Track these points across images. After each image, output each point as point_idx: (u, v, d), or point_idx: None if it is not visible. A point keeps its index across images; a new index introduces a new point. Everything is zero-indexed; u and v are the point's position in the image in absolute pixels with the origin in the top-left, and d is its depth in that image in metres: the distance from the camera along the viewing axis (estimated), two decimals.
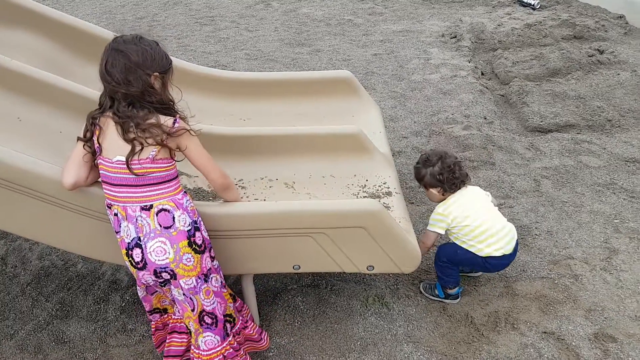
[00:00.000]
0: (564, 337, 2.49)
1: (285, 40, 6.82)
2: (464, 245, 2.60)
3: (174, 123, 1.92)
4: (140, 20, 8.09)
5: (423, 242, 2.67)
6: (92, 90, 2.68)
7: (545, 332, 2.53)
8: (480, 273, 2.90)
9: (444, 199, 2.65)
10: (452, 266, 2.66)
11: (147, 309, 2.28)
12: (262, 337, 2.38)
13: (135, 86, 1.86)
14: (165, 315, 2.32)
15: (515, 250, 2.63)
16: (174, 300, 2.19)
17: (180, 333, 2.28)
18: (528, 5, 7.75)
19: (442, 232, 2.63)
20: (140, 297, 2.23)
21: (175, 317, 2.28)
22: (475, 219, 2.55)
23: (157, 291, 2.22)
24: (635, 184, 3.58)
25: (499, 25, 6.97)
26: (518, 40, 6.32)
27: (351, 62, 5.96)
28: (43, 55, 3.03)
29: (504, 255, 2.57)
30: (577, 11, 7.17)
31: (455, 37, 6.66)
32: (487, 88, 5.23)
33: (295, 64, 6.00)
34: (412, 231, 2.47)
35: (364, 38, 6.83)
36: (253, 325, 2.35)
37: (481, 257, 2.56)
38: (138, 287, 2.14)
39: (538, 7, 7.64)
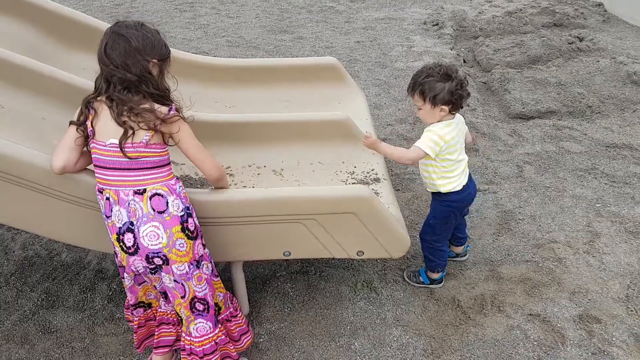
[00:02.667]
0: (550, 318, 2.54)
1: (267, 27, 6.77)
2: (437, 182, 2.48)
3: (169, 111, 1.92)
4: (118, 6, 7.95)
5: (406, 156, 2.42)
6: (77, 77, 2.64)
7: (530, 314, 2.58)
8: (466, 257, 2.94)
9: (438, 121, 2.40)
10: (440, 242, 2.65)
11: (131, 302, 2.21)
12: (242, 339, 2.30)
13: (133, 71, 1.87)
14: (149, 310, 2.27)
15: (471, 180, 2.58)
16: (160, 293, 2.17)
17: (168, 324, 2.26)
18: None
19: (433, 155, 2.38)
20: (127, 287, 2.17)
21: (162, 311, 2.24)
22: (459, 154, 2.45)
23: (144, 282, 2.18)
24: (616, 169, 3.65)
25: (480, 12, 7.02)
26: (499, 28, 6.38)
27: (334, 50, 5.94)
28: (26, 42, 2.96)
29: (463, 187, 2.51)
30: None
31: (437, 24, 6.69)
32: (469, 75, 5.27)
33: (278, 51, 5.97)
34: (400, 217, 2.49)
35: (346, 25, 6.81)
36: (238, 323, 2.30)
37: (445, 198, 2.51)
38: (126, 275, 2.10)
39: None
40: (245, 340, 2.30)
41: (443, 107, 2.35)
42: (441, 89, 2.32)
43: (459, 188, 2.52)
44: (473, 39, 6.30)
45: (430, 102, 2.36)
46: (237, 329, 2.29)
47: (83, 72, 2.92)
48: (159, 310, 2.26)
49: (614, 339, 2.43)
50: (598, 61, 5.04)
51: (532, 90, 4.71)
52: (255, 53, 5.93)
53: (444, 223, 2.63)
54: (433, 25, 6.69)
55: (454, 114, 2.43)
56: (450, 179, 2.49)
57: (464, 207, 2.68)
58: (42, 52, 2.98)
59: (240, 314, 2.33)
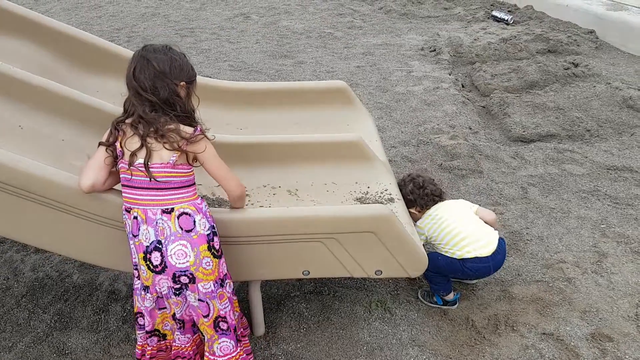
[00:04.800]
0: (563, 337, 2.57)
1: (268, 52, 6.87)
2: (442, 252, 2.72)
3: (194, 131, 1.96)
4: (118, 31, 8.03)
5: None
6: (96, 99, 2.68)
7: (544, 334, 2.60)
8: (475, 281, 2.96)
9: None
10: (437, 274, 2.71)
11: (147, 328, 2.17)
12: (248, 359, 2.30)
13: (162, 94, 1.91)
14: (163, 342, 2.24)
15: (496, 255, 2.67)
16: (177, 321, 2.14)
17: (183, 359, 2.23)
18: (502, 20, 8.01)
19: (423, 242, 2.76)
20: (147, 310, 2.13)
21: (176, 345, 2.21)
22: (446, 226, 2.70)
23: (164, 308, 2.15)
24: (618, 191, 3.73)
25: (475, 39, 7.18)
26: (495, 54, 6.52)
27: (335, 74, 6.04)
28: (41, 64, 3.00)
29: (477, 258, 2.62)
30: (549, 26, 7.45)
31: (435, 50, 6.83)
32: (468, 99, 5.37)
33: (280, 76, 6.05)
34: (417, 236, 2.53)
35: (346, 51, 6.93)
36: (245, 342, 2.30)
37: (457, 259, 2.64)
38: (149, 296, 2.08)
39: (511, 22, 7.90)
40: None
41: (411, 209, 2.83)
42: (402, 196, 2.83)
43: (468, 256, 2.64)
44: (470, 64, 6.42)
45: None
46: (244, 349, 2.29)
47: (97, 94, 2.96)
48: (174, 344, 2.23)
49: (627, 356, 2.46)
50: (594, 86, 5.16)
51: (532, 114, 4.81)
52: (257, 77, 6.00)
53: (449, 271, 2.70)
54: (430, 51, 6.82)
55: (427, 208, 2.84)
56: (447, 245, 2.69)
57: (474, 277, 2.82)
58: (57, 74, 3.01)
59: (247, 334, 2.34)
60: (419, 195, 2.81)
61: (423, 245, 2.74)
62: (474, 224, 2.73)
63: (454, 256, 2.65)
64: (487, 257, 2.64)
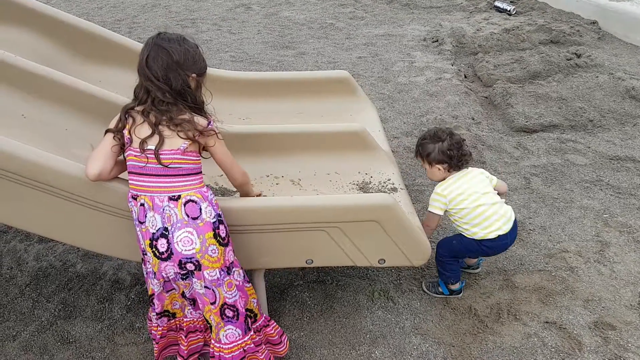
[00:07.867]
0: (566, 326, 2.58)
1: (269, 43, 6.85)
2: (459, 229, 2.62)
3: (208, 124, 2.00)
4: (119, 22, 8.00)
5: (426, 224, 2.63)
6: (100, 89, 2.68)
7: (547, 322, 2.61)
8: (478, 269, 2.97)
9: (444, 178, 2.62)
10: (451, 259, 2.69)
11: (157, 310, 2.20)
12: (282, 339, 2.34)
13: (174, 85, 1.93)
14: (173, 321, 2.27)
15: (513, 231, 2.61)
16: (189, 299, 2.17)
17: (195, 332, 2.26)
18: (504, 11, 7.97)
19: (441, 212, 2.58)
20: (156, 294, 2.15)
21: (187, 320, 2.24)
22: (472, 201, 2.53)
23: (172, 289, 2.17)
24: (621, 181, 3.73)
25: (477, 30, 7.14)
26: (497, 45, 6.48)
27: (337, 65, 6.02)
28: (41, 53, 2.99)
29: (498, 237, 2.55)
30: (551, 17, 7.41)
31: (437, 41, 6.80)
32: (471, 90, 5.36)
33: (281, 66, 6.03)
34: (420, 225, 2.53)
35: (347, 41, 6.91)
36: (275, 326, 2.33)
37: (476, 240, 2.57)
38: (156, 281, 2.10)
39: (514, 12, 7.86)
40: (285, 340, 2.34)
41: (438, 166, 2.60)
42: (432, 149, 2.58)
43: (491, 236, 2.55)
44: (472, 55, 6.39)
45: (427, 162, 2.63)
46: (276, 332, 2.31)
47: (99, 84, 2.95)
48: (185, 320, 2.25)
49: (630, 344, 2.48)
50: (597, 77, 5.14)
51: (535, 104, 4.80)
52: (259, 68, 5.99)
53: (466, 252, 2.69)
54: (433, 42, 6.79)
55: (455, 170, 2.61)
56: (468, 224, 2.57)
57: (491, 254, 2.72)
58: (59, 64, 3.00)
59: (273, 324, 2.35)
60: (456, 156, 2.54)
61: (437, 213, 2.59)
62: (496, 201, 2.58)
63: (475, 237, 2.55)
64: (506, 234, 2.57)
